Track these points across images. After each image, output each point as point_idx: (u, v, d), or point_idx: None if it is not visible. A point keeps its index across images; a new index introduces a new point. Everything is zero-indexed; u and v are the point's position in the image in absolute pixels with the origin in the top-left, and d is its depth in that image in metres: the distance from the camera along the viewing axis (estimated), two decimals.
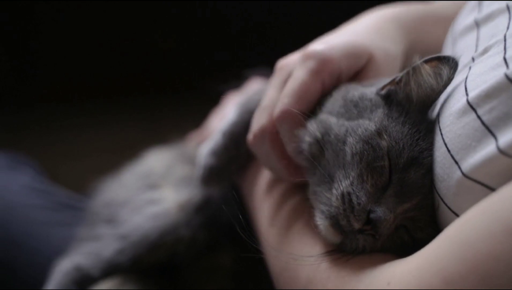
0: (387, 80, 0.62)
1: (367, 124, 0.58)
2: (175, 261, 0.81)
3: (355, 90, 0.63)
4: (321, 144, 0.60)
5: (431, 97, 0.59)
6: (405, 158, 0.56)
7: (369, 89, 0.62)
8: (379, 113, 0.59)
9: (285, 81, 0.67)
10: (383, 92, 0.61)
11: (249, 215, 0.73)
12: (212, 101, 0.94)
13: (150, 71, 1.89)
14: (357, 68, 0.67)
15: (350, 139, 0.57)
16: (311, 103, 0.64)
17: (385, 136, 0.57)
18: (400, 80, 0.60)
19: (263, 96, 0.69)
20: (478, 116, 0.51)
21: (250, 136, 0.68)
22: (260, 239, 0.68)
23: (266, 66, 0.86)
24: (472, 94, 0.52)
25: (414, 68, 0.59)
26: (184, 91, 1.72)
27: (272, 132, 0.65)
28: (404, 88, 0.60)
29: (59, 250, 0.85)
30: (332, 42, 0.66)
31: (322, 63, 0.64)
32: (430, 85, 0.59)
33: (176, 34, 1.90)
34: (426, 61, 0.59)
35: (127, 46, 1.90)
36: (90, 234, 0.84)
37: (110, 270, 0.78)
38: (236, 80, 0.89)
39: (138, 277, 0.79)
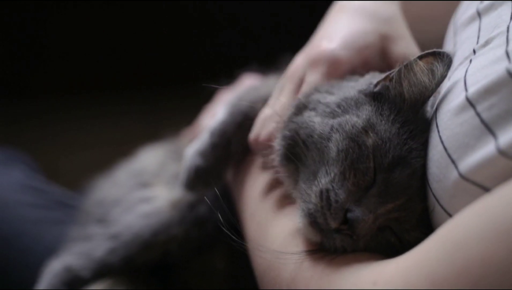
0: (381, 76, 0.59)
1: (355, 121, 0.56)
2: (168, 261, 0.80)
3: (339, 90, 0.61)
4: (302, 145, 0.58)
5: (423, 95, 0.57)
6: (390, 157, 0.54)
7: (351, 89, 0.60)
8: (367, 110, 0.57)
9: (297, 87, 0.66)
10: (377, 88, 0.59)
11: (238, 215, 0.71)
12: (211, 96, 0.92)
13: (150, 65, 1.88)
14: (370, 54, 0.66)
15: (335, 136, 0.56)
16: None
17: (371, 135, 0.55)
18: (394, 76, 0.58)
19: (271, 101, 0.68)
20: (477, 113, 0.48)
21: (252, 137, 0.67)
22: (247, 238, 0.67)
23: (262, 63, 0.84)
24: (472, 89, 0.50)
25: (407, 65, 0.57)
26: (185, 86, 1.69)
27: (264, 145, 0.65)
28: (396, 85, 0.58)
29: (52, 249, 0.84)
30: (337, 38, 0.65)
31: (333, 65, 0.64)
32: (422, 83, 0.57)
33: (176, 29, 1.89)
34: (421, 57, 0.57)
35: (126, 40, 1.89)
36: (82, 234, 0.82)
37: (101, 270, 0.77)
38: (228, 77, 0.87)
39: (130, 278, 0.77)
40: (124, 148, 0.96)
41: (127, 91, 1.81)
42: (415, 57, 0.57)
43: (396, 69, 0.58)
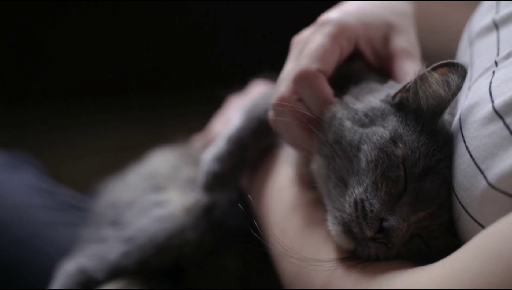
0: (398, 86, 0.60)
1: (382, 132, 0.57)
2: (181, 264, 0.81)
3: (364, 97, 0.62)
4: (333, 150, 0.59)
5: (440, 107, 0.58)
6: (420, 167, 0.55)
7: (376, 98, 0.61)
8: (393, 121, 0.58)
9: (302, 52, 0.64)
10: (396, 100, 0.60)
11: (257, 219, 0.72)
12: (217, 102, 0.93)
13: (154, 69, 1.88)
14: (375, 34, 0.66)
15: (364, 147, 0.56)
16: (331, 65, 0.63)
17: (401, 145, 0.56)
18: (410, 88, 0.59)
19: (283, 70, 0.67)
20: (506, 125, 0.49)
21: (270, 111, 0.66)
22: (269, 243, 0.67)
23: (270, 69, 0.85)
24: (499, 101, 0.51)
25: (421, 77, 0.58)
26: (189, 91, 1.71)
27: (291, 100, 0.63)
28: (414, 97, 0.58)
29: (64, 251, 0.84)
30: (345, 10, 0.65)
31: (339, 27, 0.63)
32: (438, 95, 0.58)
33: (182, 34, 1.89)
34: (435, 68, 0.58)
35: (131, 45, 1.89)
36: (95, 236, 0.83)
37: (115, 272, 0.78)
38: (240, 82, 0.88)
39: (143, 279, 0.78)
40: (127, 154, 0.96)
41: (130, 97, 1.81)
42: (429, 68, 0.58)
43: (412, 80, 0.59)
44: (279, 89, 0.64)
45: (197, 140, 0.91)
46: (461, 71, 0.57)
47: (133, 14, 1.88)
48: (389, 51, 0.66)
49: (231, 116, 0.79)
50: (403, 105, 0.59)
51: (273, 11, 1.80)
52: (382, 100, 0.60)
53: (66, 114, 1.81)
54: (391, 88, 0.62)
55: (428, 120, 0.58)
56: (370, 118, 0.58)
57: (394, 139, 0.56)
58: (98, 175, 0.97)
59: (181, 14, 1.88)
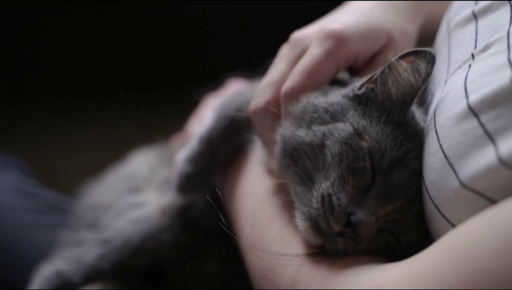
0: (364, 78, 0.59)
1: (343, 126, 0.56)
2: (159, 266, 0.80)
3: (322, 97, 0.61)
4: (293, 156, 0.58)
5: (410, 95, 0.57)
6: (388, 159, 0.54)
7: (337, 93, 0.60)
8: (355, 115, 0.57)
9: (297, 57, 0.64)
10: (361, 91, 0.59)
11: (230, 218, 0.71)
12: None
13: (144, 70, 1.88)
14: (374, 50, 0.64)
15: (328, 142, 0.56)
16: (322, 84, 0.62)
17: (366, 137, 0.55)
18: (377, 78, 0.58)
19: (271, 69, 0.66)
20: (481, 124, 0.48)
21: (252, 107, 0.65)
22: (241, 240, 0.67)
23: (249, 68, 0.84)
24: (474, 98, 0.49)
25: (390, 66, 0.57)
26: (179, 91, 1.70)
27: (276, 107, 0.63)
28: (382, 87, 0.58)
29: (46, 253, 0.84)
30: (350, 21, 0.63)
31: (340, 44, 0.62)
32: (408, 82, 0.57)
33: (169, 34, 1.89)
34: (402, 57, 0.57)
35: (123, 44, 1.90)
36: (73, 239, 0.83)
37: (92, 275, 0.77)
38: (217, 82, 0.87)
39: (120, 282, 0.78)
40: (118, 152, 0.96)
41: (121, 96, 1.82)
42: (396, 57, 0.57)
43: (379, 70, 0.58)
44: (266, 94, 0.64)
45: (176, 141, 0.91)
46: (430, 58, 0.56)
47: (122, 16, 1.88)
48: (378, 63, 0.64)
49: (205, 116, 0.78)
50: (366, 98, 0.58)
51: (272, 11, 1.80)
52: (343, 96, 0.59)
53: (56, 114, 1.81)
54: (356, 82, 0.61)
55: (395, 111, 0.57)
56: (331, 114, 0.58)
57: (358, 132, 0.55)
58: (89, 174, 0.97)
59: (176, 14, 1.88)
